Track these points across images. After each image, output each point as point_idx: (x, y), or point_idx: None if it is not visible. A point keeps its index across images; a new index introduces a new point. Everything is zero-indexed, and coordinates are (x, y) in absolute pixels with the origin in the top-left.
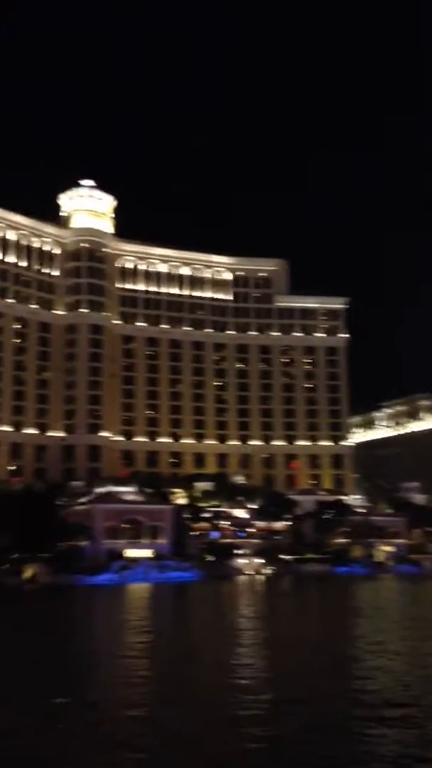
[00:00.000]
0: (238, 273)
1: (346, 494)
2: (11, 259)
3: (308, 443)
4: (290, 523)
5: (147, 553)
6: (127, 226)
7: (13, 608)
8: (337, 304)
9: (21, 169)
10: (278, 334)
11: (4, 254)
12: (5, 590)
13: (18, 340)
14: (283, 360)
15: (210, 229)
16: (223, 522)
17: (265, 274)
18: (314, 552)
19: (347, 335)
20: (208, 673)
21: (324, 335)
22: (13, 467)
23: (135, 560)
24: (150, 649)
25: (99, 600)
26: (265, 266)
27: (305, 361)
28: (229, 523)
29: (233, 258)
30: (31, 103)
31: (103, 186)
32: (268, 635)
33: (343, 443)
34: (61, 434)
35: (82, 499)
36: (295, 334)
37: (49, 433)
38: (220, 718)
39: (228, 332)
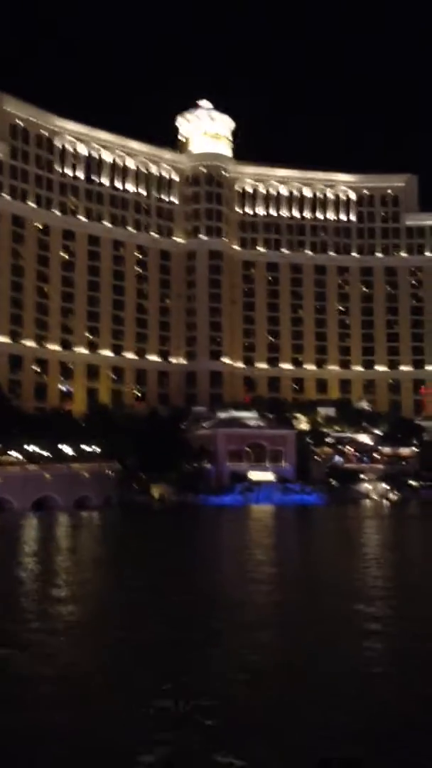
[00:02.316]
0: (362, 191)
1: None
2: (130, 187)
3: None
4: (418, 449)
5: (270, 476)
6: (246, 147)
7: (146, 524)
8: None
9: (137, 94)
10: (406, 254)
11: (123, 182)
12: (136, 508)
13: (139, 269)
14: (411, 282)
15: (332, 146)
16: (346, 447)
17: (392, 192)
18: None
19: None
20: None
21: None
22: (138, 393)
23: (258, 483)
24: (280, 575)
25: (227, 518)
26: (392, 183)
27: None
28: (353, 448)
29: (357, 176)
30: (144, 25)
31: (220, 106)
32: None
33: None
34: (183, 361)
35: (205, 424)
36: (426, 254)
37: (172, 360)
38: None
39: (352, 255)
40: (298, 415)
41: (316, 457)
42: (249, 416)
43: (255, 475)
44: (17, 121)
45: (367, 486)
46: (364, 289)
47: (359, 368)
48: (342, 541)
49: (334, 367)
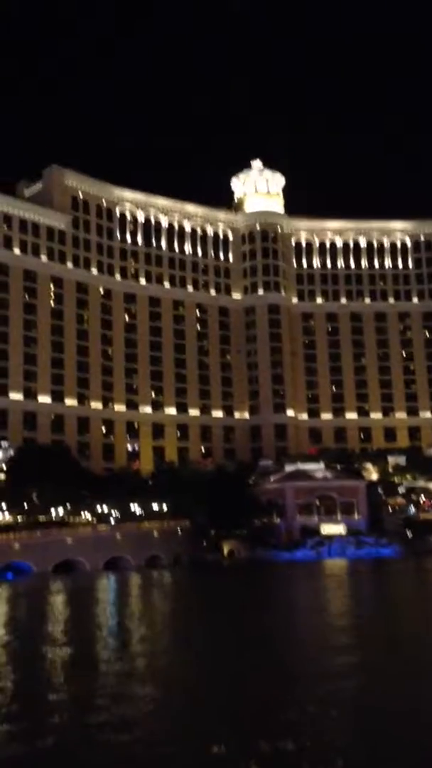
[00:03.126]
0: (418, 237)
1: None
2: (188, 248)
3: None
4: None
5: (341, 529)
6: (299, 202)
7: (216, 584)
8: None
9: (190, 159)
10: None
11: (181, 244)
12: (206, 566)
13: (199, 327)
14: None
15: (386, 193)
16: (420, 497)
17: None
18: None
19: None
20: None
21: None
22: (204, 449)
23: (330, 536)
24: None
25: (300, 574)
26: None
27: None
28: (427, 497)
29: (413, 222)
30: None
31: (271, 164)
32: None
33: None
34: (247, 415)
35: (272, 478)
36: None
37: (236, 415)
38: None
39: (412, 300)
40: (367, 465)
41: (388, 507)
42: (316, 468)
43: (326, 529)
44: (78, 193)
45: None
46: (428, 334)
47: (428, 414)
48: (424, 599)
49: (401, 415)
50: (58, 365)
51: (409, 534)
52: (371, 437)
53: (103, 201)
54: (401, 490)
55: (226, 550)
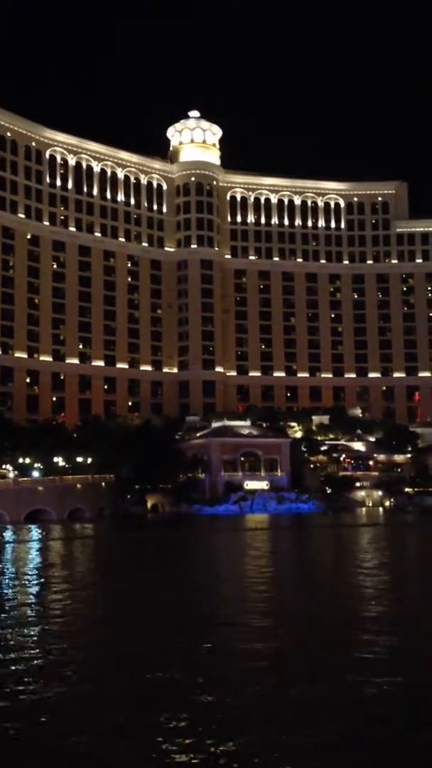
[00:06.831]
0: (352, 199)
1: None
2: (120, 197)
3: (431, 374)
4: (412, 455)
5: (264, 485)
6: (235, 156)
7: (138, 536)
8: None
9: (129, 106)
10: (397, 261)
11: (114, 193)
12: (130, 519)
13: (130, 279)
14: (402, 288)
15: (321, 153)
16: (341, 455)
17: (382, 199)
18: None
19: None
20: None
21: None
22: (131, 403)
23: (253, 492)
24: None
25: (221, 527)
26: (381, 190)
27: (427, 288)
28: (348, 456)
29: (347, 183)
30: (136, 41)
31: (209, 116)
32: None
33: None
34: (176, 370)
35: (199, 433)
36: (417, 260)
37: (164, 370)
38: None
39: (343, 262)
40: (292, 423)
41: (310, 465)
42: (243, 425)
43: (250, 484)
44: (6, 132)
45: (362, 494)
46: (356, 296)
47: (352, 375)
48: (339, 553)
49: (327, 375)
50: None
51: (329, 490)
52: (297, 396)
53: (33, 142)
54: (323, 448)
55: (149, 504)
